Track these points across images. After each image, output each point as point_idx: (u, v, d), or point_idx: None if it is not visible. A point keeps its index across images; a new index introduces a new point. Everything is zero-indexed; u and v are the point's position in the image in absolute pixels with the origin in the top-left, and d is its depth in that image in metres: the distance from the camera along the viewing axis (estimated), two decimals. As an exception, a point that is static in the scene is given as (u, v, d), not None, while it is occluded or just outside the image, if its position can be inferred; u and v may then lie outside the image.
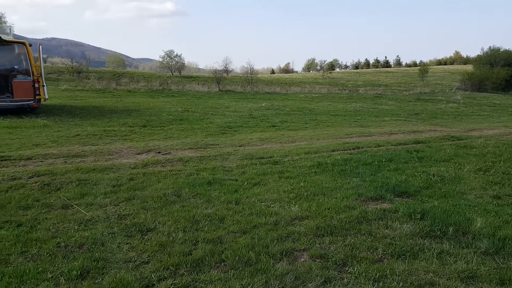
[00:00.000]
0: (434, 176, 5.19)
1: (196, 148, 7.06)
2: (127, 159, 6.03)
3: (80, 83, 25.37)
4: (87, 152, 6.39)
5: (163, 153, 6.53)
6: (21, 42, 11.87)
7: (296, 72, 65.69)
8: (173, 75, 35.94)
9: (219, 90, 25.82)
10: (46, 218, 3.51)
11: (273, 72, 68.40)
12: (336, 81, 43.07)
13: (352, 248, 3.03)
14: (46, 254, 2.83)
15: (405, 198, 4.32)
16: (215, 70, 30.50)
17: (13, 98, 11.24)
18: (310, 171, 5.38)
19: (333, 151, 6.99)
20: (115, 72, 36.44)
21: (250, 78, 31.79)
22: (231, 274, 2.60)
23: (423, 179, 5.04)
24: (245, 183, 4.71)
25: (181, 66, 37.94)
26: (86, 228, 3.31)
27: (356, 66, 74.49)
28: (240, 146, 7.43)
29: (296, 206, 3.95)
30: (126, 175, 4.93)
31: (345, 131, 10.08)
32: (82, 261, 2.68)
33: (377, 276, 2.60)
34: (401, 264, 2.76)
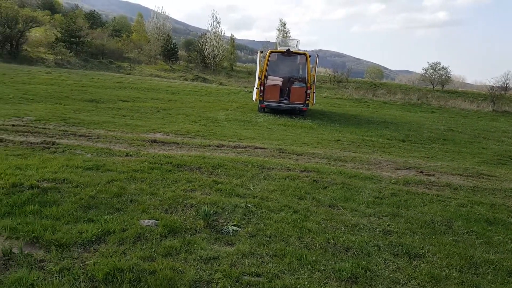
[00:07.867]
0: None
1: (466, 176, 6.05)
2: (386, 172, 5.88)
3: (339, 91, 27.64)
4: (347, 158, 6.70)
5: (425, 173, 5.96)
6: (303, 53, 13.77)
7: None
8: (434, 89, 33.10)
9: (493, 110, 21.58)
10: (316, 212, 3.84)
11: None
12: None
13: None
14: (318, 246, 3.06)
15: None
16: (491, 86, 25.68)
17: (289, 101, 13.30)
18: None
19: None
20: (372, 83, 37.41)
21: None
22: None
23: None
24: (546, 236, 3.55)
25: (445, 79, 34.40)
26: (351, 232, 3.38)
27: None
28: (530, 184, 5.78)
29: None
30: (387, 189, 4.79)
31: None
32: (351, 265, 2.72)
33: None
34: None
